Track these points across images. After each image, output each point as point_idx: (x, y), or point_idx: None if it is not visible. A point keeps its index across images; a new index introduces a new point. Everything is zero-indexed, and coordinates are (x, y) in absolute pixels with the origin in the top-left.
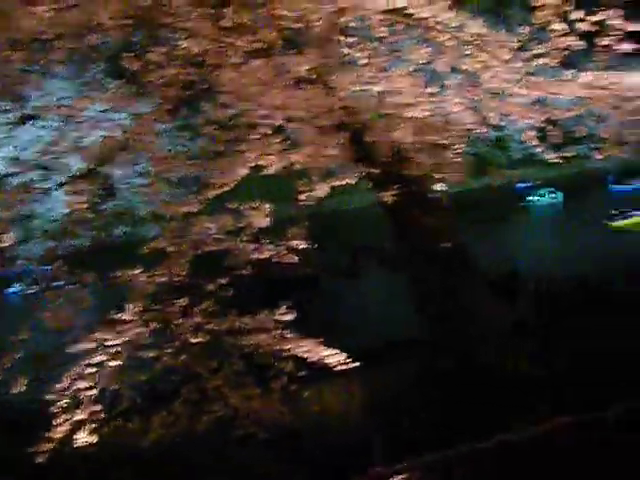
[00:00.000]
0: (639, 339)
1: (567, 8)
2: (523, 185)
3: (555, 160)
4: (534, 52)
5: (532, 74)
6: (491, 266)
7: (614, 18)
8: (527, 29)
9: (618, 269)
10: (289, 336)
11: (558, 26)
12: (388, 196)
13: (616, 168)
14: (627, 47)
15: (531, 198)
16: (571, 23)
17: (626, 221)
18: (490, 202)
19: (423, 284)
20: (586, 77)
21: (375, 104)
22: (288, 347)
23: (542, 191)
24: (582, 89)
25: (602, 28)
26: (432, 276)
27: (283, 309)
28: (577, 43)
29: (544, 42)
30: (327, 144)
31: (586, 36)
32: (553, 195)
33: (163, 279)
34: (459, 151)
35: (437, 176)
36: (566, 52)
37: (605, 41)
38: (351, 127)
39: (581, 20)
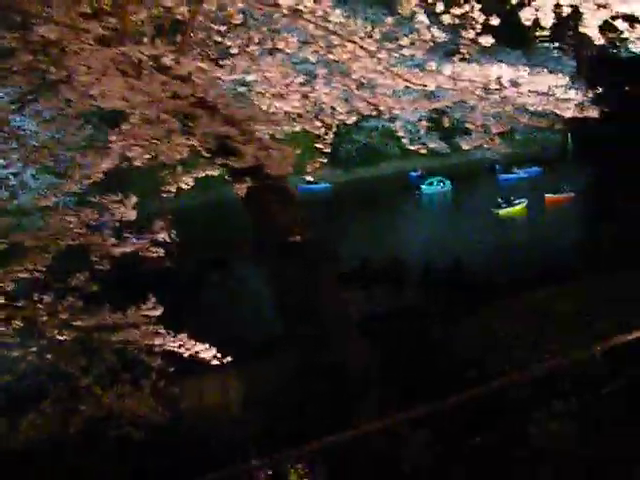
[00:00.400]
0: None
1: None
2: (415, 174)
3: (443, 150)
4: (400, 43)
5: (397, 65)
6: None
7: (476, 11)
8: (391, 19)
9: (498, 256)
10: (161, 331)
11: (423, 17)
12: (241, 189)
13: (503, 158)
14: (488, 40)
15: (421, 187)
16: (436, 15)
17: (511, 208)
18: (382, 191)
19: (278, 278)
20: (452, 68)
21: (234, 93)
22: (159, 343)
23: (431, 180)
24: (448, 80)
25: (466, 20)
26: (286, 270)
27: (150, 304)
28: (442, 35)
29: (410, 33)
30: (182, 135)
31: (451, 28)
32: (442, 184)
33: (24, 275)
34: (328, 141)
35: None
36: (432, 43)
37: (470, 33)
38: (207, 117)
39: (445, 12)
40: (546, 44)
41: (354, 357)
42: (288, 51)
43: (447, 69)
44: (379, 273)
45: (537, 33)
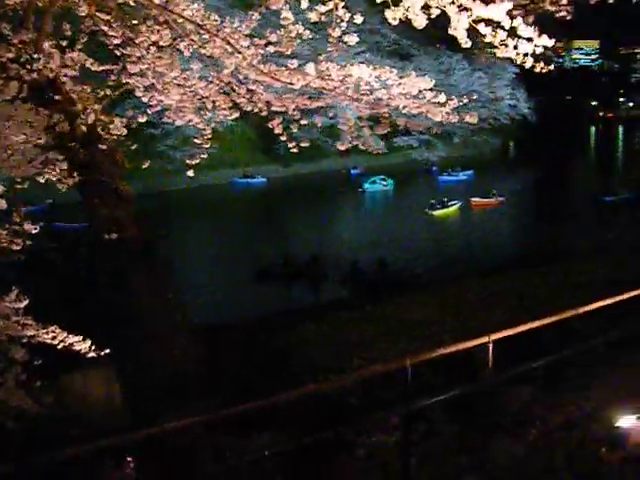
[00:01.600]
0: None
1: None
2: (356, 172)
3: (381, 149)
4: (268, 39)
5: (265, 62)
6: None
7: (342, 9)
8: (257, 15)
9: (424, 254)
10: (29, 322)
11: (288, 14)
12: (68, 184)
13: (441, 159)
14: (354, 39)
15: (364, 185)
16: (302, 12)
17: (445, 210)
18: (321, 187)
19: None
20: (318, 67)
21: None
22: (28, 334)
23: (374, 178)
24: (317, 80)
25: (333, 19)
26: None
27: (13, 296)
28: (308, 33)
29: (277, 30)
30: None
31: (316, 26)
32: (384, 183)
33: None
34: (208, 136)
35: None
36: (298, 41)
37: (336, 32)
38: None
39: (310, 9)
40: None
41: (177, 359)
42: (162, 44)
43: (310, 68)
44: (300, 270)
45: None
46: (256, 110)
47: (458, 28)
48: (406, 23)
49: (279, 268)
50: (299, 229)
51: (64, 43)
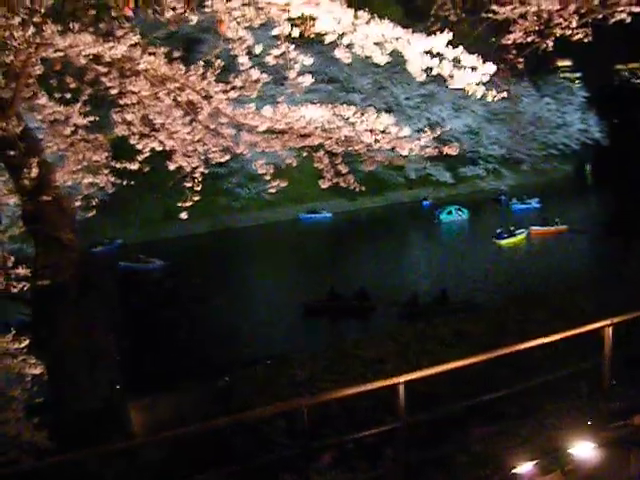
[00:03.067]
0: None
1: (251, 42)
2: (428, 203)
3: (447, 180)
4: (232, 84)
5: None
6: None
7: (293, 51)
8: (220, 62)
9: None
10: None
11: (244, 59)
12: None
13: (510, 188)
14: (308, 80)
15: (440, 216)
16: (257, 56)
17: (511, 239)
18: (393, 220)
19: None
20: (273, 110)
21: None
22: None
23: (450, 208)
24: (272, 122)
25: (286, 61)
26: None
27: (11, 336)
28: (264, 76)
29: (238, 74)
30: None
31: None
32: (460, 213)
33: None
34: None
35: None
36: (258, 85)
37: (292, 74)
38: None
39: (268, 54)
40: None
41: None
42: (144, 93)
43: (267, 111)
44: (348, 304)
45: (559, 63)
46: (245, 152)
47: (411, 62)
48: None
49: (328, 303)
50: (365, 263)
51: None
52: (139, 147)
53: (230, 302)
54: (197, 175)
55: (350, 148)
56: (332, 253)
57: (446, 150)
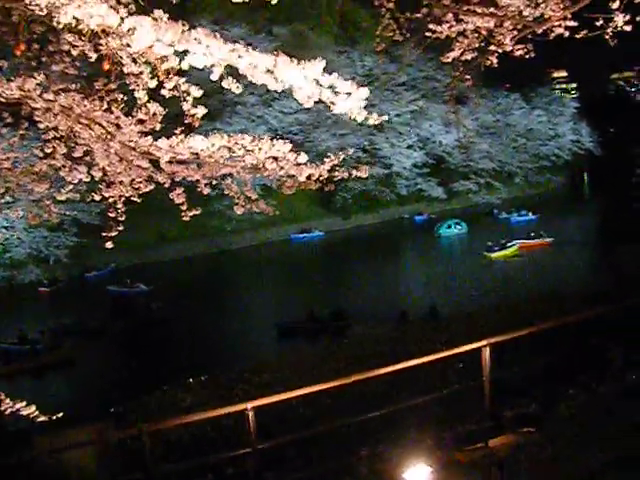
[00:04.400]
0: None
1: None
2: (421, 218)
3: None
4: (136, 117)
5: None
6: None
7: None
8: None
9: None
10: None
11: (141, 94)
12: None
13: (504, 201)
14: (202, 111)
15: (440, 230)
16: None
17: (502, 252)
18: (385, 236)
19: None
20: (168, 142)
21: None
22: None
23: (449, 222)
24: (174, 153)
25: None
26: None
27: None
28: (161, 109)
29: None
30: None
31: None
32: (459, 227)
33: None
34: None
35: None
36: (158, 118)
37: (185, 106)
38: None
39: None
40: (559, 85)
41: None
42: (62, 128)
43: (162, 143)
44: (324, 325)
45: (555, 74)
46: (167, 182)
47: (295, 90)
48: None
49: (302, 324)
50: (349, 282)
51: None
52: (68, 179)
53: (208, 323)
54: (119, 206)
55: (258, 175)
56: (323, 272)
57: (357, 173)
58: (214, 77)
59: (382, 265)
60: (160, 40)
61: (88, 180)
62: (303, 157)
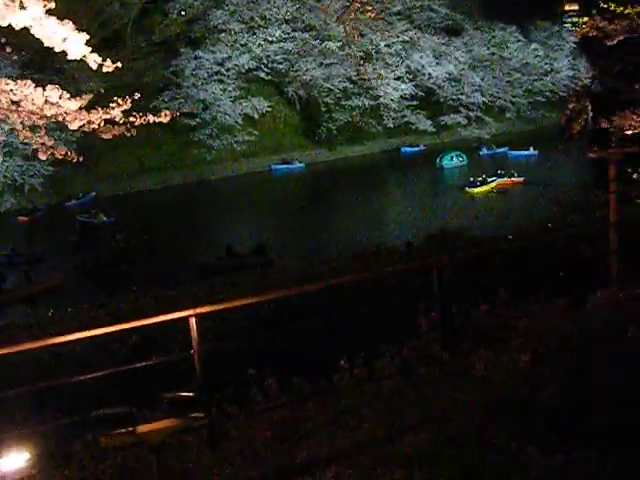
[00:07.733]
0: None
1: None
2: (411, 149)
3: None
4: None
5: None
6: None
7: None
8: None
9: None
10: None
11: None
12: None
13: (493, 137)
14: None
15: (443, 162)
16: None
17: (483, 187)
18: (369, 169)
19: None
20: None
21: None
22: None
23: (452, 154)
24: None
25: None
26: None
27: None
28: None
29: None
30: None
31: None
32: (461, 158)
33: None
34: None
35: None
36: None
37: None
38: None
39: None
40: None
41: None
42: None
43: None
44: (243, 261)
45: (567, 7)
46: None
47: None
48: None
49: (221, 261)
50: (323, 216)
51: None
52: None
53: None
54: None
55: (43, 121)
56: (297, 203)
57: (159, 119)
58: None
59: (362, 198)
60: None
61: None
62: (73, 103)
